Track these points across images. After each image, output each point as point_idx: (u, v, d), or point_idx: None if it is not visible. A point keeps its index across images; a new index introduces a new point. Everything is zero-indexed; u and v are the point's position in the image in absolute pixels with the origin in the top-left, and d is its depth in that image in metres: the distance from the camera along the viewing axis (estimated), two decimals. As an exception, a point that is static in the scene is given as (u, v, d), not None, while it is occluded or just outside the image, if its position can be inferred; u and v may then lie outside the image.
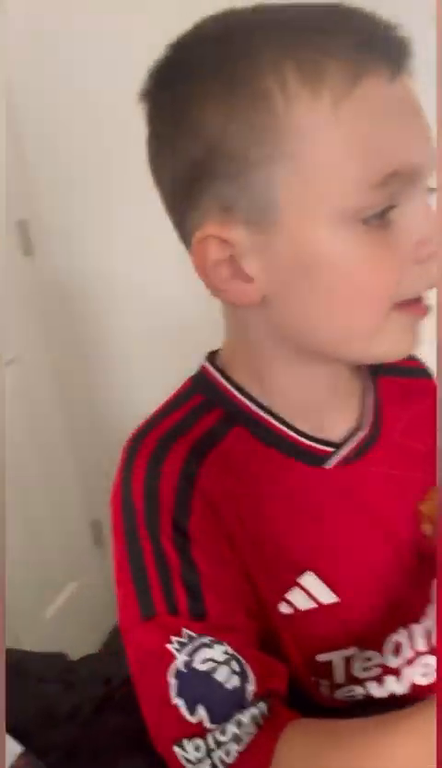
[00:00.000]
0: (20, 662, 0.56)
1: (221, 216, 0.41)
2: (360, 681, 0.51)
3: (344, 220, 0.40)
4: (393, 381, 0.56)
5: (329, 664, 0.49)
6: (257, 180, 0.40)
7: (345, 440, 0.50)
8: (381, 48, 0.39)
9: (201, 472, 0.45)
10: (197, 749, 0.41)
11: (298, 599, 0.48)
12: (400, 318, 0.43)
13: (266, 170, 0.39)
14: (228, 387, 0.49)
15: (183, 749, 0.41)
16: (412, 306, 0.43)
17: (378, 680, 0.51)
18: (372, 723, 0.40)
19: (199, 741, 0.41)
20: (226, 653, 0.42)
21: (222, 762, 0.40)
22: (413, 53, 0.40)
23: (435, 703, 0.36)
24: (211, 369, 0.51)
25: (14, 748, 0.50)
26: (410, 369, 0.57)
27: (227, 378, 0.50)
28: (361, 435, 0.51)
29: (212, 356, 0.52)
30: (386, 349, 0.44)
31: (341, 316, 0.43)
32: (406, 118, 0.40)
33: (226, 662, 0.42)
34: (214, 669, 0.42)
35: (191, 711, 0.41)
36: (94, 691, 0.56)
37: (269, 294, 0.43)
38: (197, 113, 0.40)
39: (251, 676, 0.42)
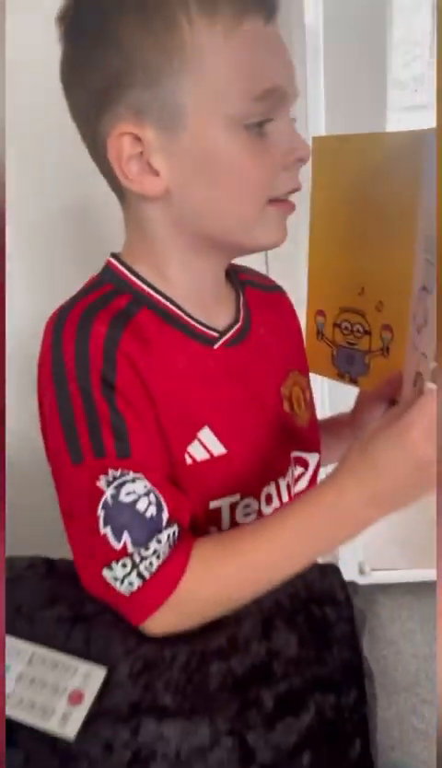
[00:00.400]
0: None
1: (135, 119, 0.50)
2: None
3: (234, 125, 0.50)
4: (256, 292, 0.68)
5: (218, 511, 0.58)
6: (168, 89, 0.49)
7: (227, 329, 0.61)
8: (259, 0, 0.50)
9: (122, 337, 0.52)
10: (124, 566, 0.49)
11: (197, 451, 0.57)
12: (272, 212, 0.55)
13: (175, 81, 0.49)
14: (133, 278, 0.58)
15: (112, 569, 0.49)
16: (282, 203, 0.55)
17: None
18: (259, 522, 0.53)
19: (126, 560, 0.49)
20: (145, 487, 0.50)
21: (147, 570, 0.49)
22: (279, 4, 0.52)
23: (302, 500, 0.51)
24: (117, 264, 0.59)
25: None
26: (268, 286, 0.72)
27: (131, 271, 0.58)
28: (237, 326, 0.62)
29: (116, 255, 0.60)
30: (264, 237, 0.56)
31: (229, 204, 0.54)
32: (276, 52, 0.52)
33: (146, 494, 0.50)
34: (136, 501, 0.50)
35: (118, 537, 0.49)
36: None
37: (172, 186, 0.52)
38: (117, 31, 0.49)
39: (165, 506, 0.51)
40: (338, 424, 0.76)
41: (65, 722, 0.44)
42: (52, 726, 0.44)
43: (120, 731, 0.44)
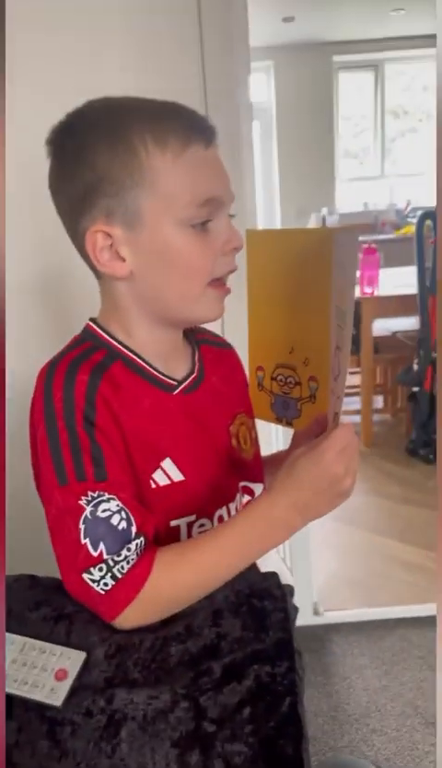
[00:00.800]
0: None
1: (105, 219, 0.65)
2: None
3: (181, 225, 0.65)
4: (209, 348, 0.82)
5: (177, 528, 0.71)
6: (129, 198, 0.64)
7: (184, 379, 0.75)
8: (199, 130, 0.66)
9: (100, 384, 0.65)
10: (101, 570, 0.60)
11: (160, 477, 0.69)
12: (211, 292, 0.69)
13: (135, 192, 0.64)
14: (107, 338, 0.71)
15: (90, 573, 0.60)
16: (220, 286, 0.70)
17: None
18: (211, 532, 0.66)
19: (101, 565, 0.60)
20: (117, 505, 0.62)
21: (119, 572, 0.60)
22: (216, 133, 0.68)
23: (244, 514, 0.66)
24: (94, 326, 0.72)
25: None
26: (219, 343, 0.87)
27: (106, 332, 0.71)
28: (193, 376, 0.76)
29: (93, 320, 0.74)
30: (204, 313, 0.71)
31: (177, 284, 0.68)
32: (214, 170, 0.68)
33: (118, 512, 0.62)
34: (110, 516, 0.61)
35: (95, 547, 0.60)
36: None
37: (134, 270, 0.67)
38: (91, 155, 0.64)
39: (134, 521, 0.62)
40: (278, 459, 0.89)
41: (53, 693, 0.55)
42: (42, 696, 0.54)
43: (97, 700, 0.55)
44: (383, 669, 1.60)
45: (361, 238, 4.84)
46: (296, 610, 0.65)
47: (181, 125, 0.65)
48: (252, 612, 0.62)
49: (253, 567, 0.72)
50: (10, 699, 0.56)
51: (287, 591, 0.67)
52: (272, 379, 0.79)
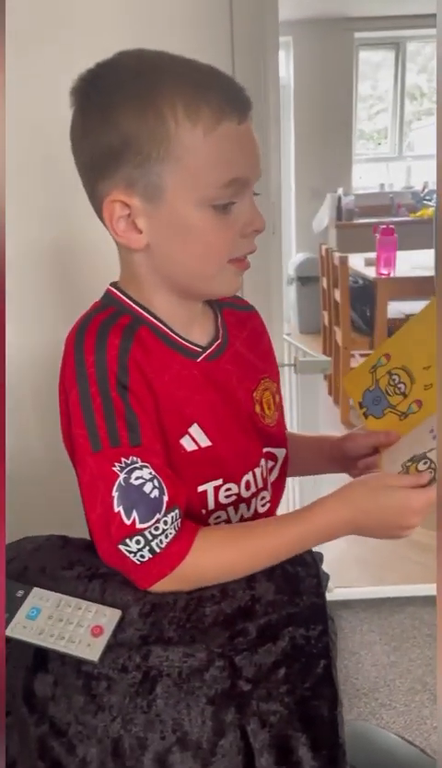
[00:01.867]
0: None
1: (125, 189, 0.62)
2: (224, 507, 0.72)
3: (203, 204, 0.62)
4: (232, 312, 0.81)
5: (205, 493, 0.70)
6: (153, 171, 0.61)
7: (208, 345, 0.74)
8: (234, 103, 0.62)
9: (132, 347, 0.64)
10: (138, 542, 0.59)
11: (187, 443, 0.69)
12: (230, 268, 0.68)
13: (160, 165, 0.61)
14: (131, 303, 0.69)
15: (127, 545, 0.60)
16: (239, 261, 0.68)
17: (235, 506, 0.73)
18: (268, 520, 0.68)
19: (139, 537, 0.59)
20: (150, 473, 0.61)
21: (158, 547, 0.60)
22: (251, 106, 0.64)
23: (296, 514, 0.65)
24: (116, 292, 0.71)
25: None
26: (242, 306, 0.84)
27: (128, 297, 0.70)
28: (217, 342, 0.75)
29: (114, 285, 0.72)
30: (220, 288, 0.70)
31: (194, 263, 0.66)
32: (245, 147, 0.64)
33: (151, 480, 0.61)
34: (143, 484, 0.60)
35: (128, 515, 0.60)
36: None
37: (151, 243, 0.65)
38: (118, 116, 0.60)
39: (166, 490, 0.61)
40: (323, 442, 0.88)
41: (89, 648, 0.55)
42: (78, 651, 0.55)
43: (133, 657, 0.55)
44: (392, 646, 1.62)
45: (377, 221, 4.80)
46: (327, 577, 0.65)
47: (216, 96, 0.61)
48: (286, 577, 0.62)
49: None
50: (45, 653, 0.56)
51: (318, 558, 0.67)
52: (387, 373, 0.75)
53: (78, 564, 0.65)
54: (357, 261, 3.31)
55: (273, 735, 0.51)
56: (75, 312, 1.33)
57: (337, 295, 3.19)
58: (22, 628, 0.57)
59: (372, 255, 3.26)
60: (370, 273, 3.14)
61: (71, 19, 1.25)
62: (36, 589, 0.60)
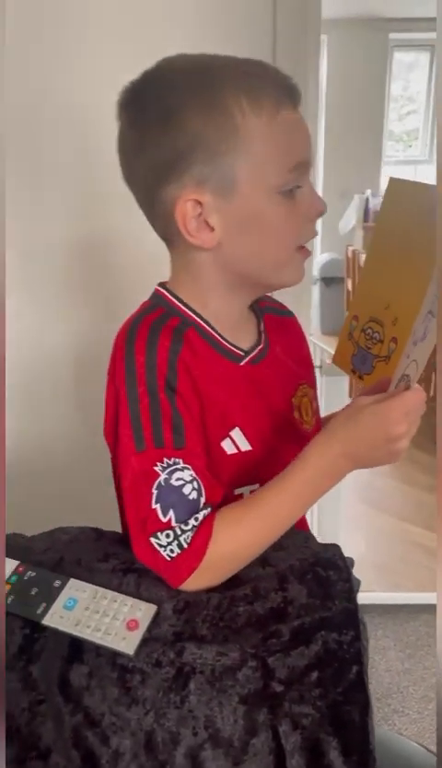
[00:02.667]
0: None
1: (196, 187, 0.63)
2: None
3: (272, 191, 0.64)
4: (272, 317, 0.82)
5: (241, 496, 0.71)
6: (224, 164, 0.62)
7: (250, 350, 0.75)
8: (288, 91, 0.65)
9: (181, 349, 0.65)
10: (168, 536, 0.61)
11: (228, 446, 0.70)
12: (298, 257, 0.69)
13: (230, 157, 0.62)
14: (180, 305, 0.70)
15: (158, 538, 0.61)
16: (304, 249, 0.70)
17: None
18: (268, 483, 0.65)
19: (169, 531, 0.61)
20: (191, 475, 0.62)
21: (186, 541, 0.60)
22: (301, 94, 0.67)
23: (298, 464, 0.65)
24: (166, 293, 0.72)
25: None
26: (280, 311, 0.86)
27: (178, 299, 0.71)
28: (259, 347, 0.76)
29: (163, 286, 0.73)
30: (290, 277, 0.70)
31: (268, 252, 0.68)
32: (302, 132, 0.66)
33: (191, 481, 0.62)
34: (183, 485, 0.61)
35: (165, 513, 0.61)
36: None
37: (223, 239, 0.65)
38: (182, 118, 0.62)
39: (204, 492, 0.62)
40: (331, 419, 0.90)
41: (125, 642, 0.56)
42: (114, 643, 0.56)
43: (167, 652, 0.56)
44: (407, 653, 1.61)
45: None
46: (358, 582, 0.66)
47: (273, 85, 0.63)
48: (318, 580, 0.62)
49: (312, 537, 0.72)
50: (80, 643, 0.57)
51: (349, 563, 0.67)
52: (361, 331, 0.78)
53: (113, 557, 0.66)
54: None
55: (304, 737, 0.51)
56: (105, 307, 1.35)
57: (362, 297, 3.16)
58: (59, 618, 0.58)
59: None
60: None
61: (117, 20, 1.26)
62: (73, 580, 0.61)
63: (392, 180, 0.72)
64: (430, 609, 1.77)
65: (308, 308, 1.58)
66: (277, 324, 0.82)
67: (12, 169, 1.26)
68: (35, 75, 1.25)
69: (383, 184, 5.66)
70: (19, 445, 1.46)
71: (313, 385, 0.85)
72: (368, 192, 5.21)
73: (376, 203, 5.11)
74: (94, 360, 1.43)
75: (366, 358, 0.79)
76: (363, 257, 3.20)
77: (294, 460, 0.66)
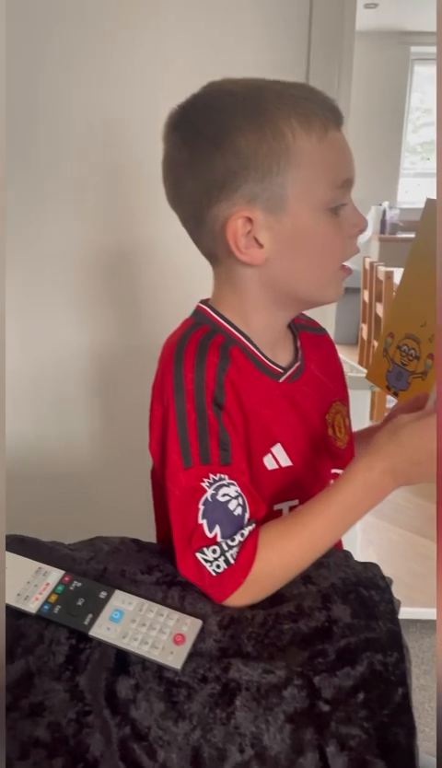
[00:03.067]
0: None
1: (247, 205, 0.65)
2: None
3: (320, 208, 0.66)
4: (306, 334, 0.83)
5: (280, 512, 0.72)
6: (275, 183, 0.64)
7: (288, 367, 0.75)
8: (334, 114, 0.66)
9: (229, 367, 0.66)
10: (214, 552, 0.61)
11: (269, 462, 0.71)
12: (340, 274, 0.71)
13: (282, 177, 0.64)
14: (224, 323, 0.72)
15: (204, 553, 0.62)
16: (345, 268, 0.71)
17: None
18: (311, 501, 0.65)
19: (215, 547, 0.61)
20: (236, 491, 0.63)
21: (232, 557, 0.61)
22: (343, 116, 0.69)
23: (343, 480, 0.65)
24: (209, 310, 0.73)
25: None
26: (314, 328, 0.87)
27: (221, 317, 0.72)
28: (297, 364, 0.77)
29: (205, 303, 0.74)
30: (332, 294, 0.72)
31: (315, 269, 0.69)
32: (347, 152, 0.68)
33: (236, 497, 0.63)
34: (229, 501, 0.62)
35: (211, 529, 0.62)
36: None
37: (270, 256, 0.67)
38: (234, 139, 0.63)
39: (248, 508, 0.63)
40: (371, 431, 0.90)
41: (173, 656, 0.56)
42: (161, 657, 0.56)
43: (213, 668, 0.56)
44: (422, 669, 1.61)
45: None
46: (398, 603, 0.66)
47: (320, 107, 0.65)
48: (361, 600, 0.63)
49: (350, 555, 0.72)
50: (126, 655, 0.58)
51: (390, 583, 0.67)
52: (397, 348, 0.79)
53: (156, 570, 0.66)
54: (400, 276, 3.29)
55: (351, 759, 0.51)
56: (128, 315, 1.34)
57: (379, 309, 3.18)
58: (106, 630, 0.58)
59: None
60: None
61: (153, 39, 1.27)
62: (118, 592, 0.61)
63: (429, 201, 0.73)
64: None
65: (332, 320, 1.59)
66: (312, 341, 0.83)
67: (37, 179, 1.29)
68: (65, 87, 1.26)
69: (400, 196, 5.68)
70: (44, 447, 1.47)
71: (346, 402, 0.86)
72: (386, 203, 5.23)
73: (392, 215, 5.12)
74: (114, 365, 1.44)
75: (402, 375, 0.80)
76: (380, 268, 3.21)
77: (337, 478, 0.66)
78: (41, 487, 1.47)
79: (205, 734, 0.53)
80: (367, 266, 3.62)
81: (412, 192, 5.62)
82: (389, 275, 3.05)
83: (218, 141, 0.64)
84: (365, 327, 3.68)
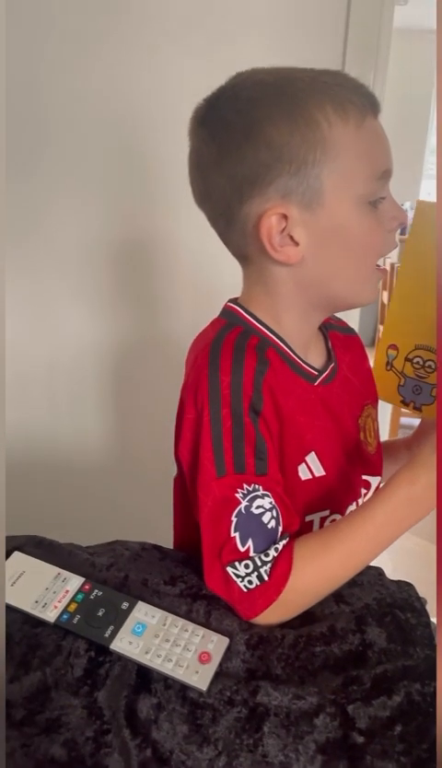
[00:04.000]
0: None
1: (282, 200, 0.60)
2: None
3: (359, 202, 0.61)
4: (336, 335, 0.79)
5: (311, 523, 0.69)
6: (311, 176, 0.59)
7: (323, 369, 0.72)
8: (370, 100, 0.62)
9: (267, 371, 0.62)
10: (247, 567, 0.58)
11: (303, 472, 0.67)
12: (376, 273, 0.66)
13: (317, 169, 0.59)
14: (257, 324, 0.68)
15: (236, 568, 0.58)
16: (380, 269, 0.67)
17: None
18: (351, 516, 0.62)
19: (248, 561, 0.58)
20: (270, 503, 0.59)
21: (266, 573, 0.58)
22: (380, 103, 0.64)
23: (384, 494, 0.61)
24: (241, 311, 0.69)
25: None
26: (343, 328, 0.83)
27: (254, 318, 0.68)
28: (331, 366, 0.73)
29: (235, 302, 0.70)
30: (368, 295, 0.67)
31: (351, 265, 0.64)
32: (385, 141, 0.63)
33: (270, 510, 0.59)
34: (262, 514, 0.59)
35: (243, 542, 0.58)
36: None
37: (307, 254, 0.62)
38: (266, 131, 0.59)
39: (282, 521, 0.60)
40: (396, 447, 0.87)
41: (198, 676, 0.53)
42: (186, 677, 0.53)
43: (240, 690, 0.53)
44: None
45: None
46: (435, 626, 0.62)
47: (356, 94, 0.61)
48: (397, 624, 0.59)
49: (383, 573, 0.69)
50: (148, 672, 0.55)
51: (424, 603, 0.64)
52: (406, 360, 0.75)
53: (180, 581, 0.63)
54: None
55: (387, 796, 0.48)
56: (142, 309, 1.30)
57: (399, 311, 3.12)
58: (128, 644, 0.55)
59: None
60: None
61: (183, 31, 1.23)
62: (141, 603, 0.58)
63: (420, 204, 0.70)
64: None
65: (356, 321, 1.55)
66: (342, 342, 0.79)
67: (56, 171, 1.26)
68: (83, 77, 1.23)
69: (423, 197, 5.61)
70: (57, 441, 1.44)
71: (376, 405, 0.82)
72: (408, 204, 5.15)
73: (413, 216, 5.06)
74: (127, 359, 1.41)
75: (422, 388, 0.76)
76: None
77: (377, 492, 0.62)
78: (53, 482, 1.45)
79: (231, 761, 0.50)
80: (387, 267, 3.56)
81: (435, 194, 5.54)
82: (411, 277, 2.99)
83: (248, 133, 0.59)
84: (382, 328, 3.63)
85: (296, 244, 0.62)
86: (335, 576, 0.61)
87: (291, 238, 0.62)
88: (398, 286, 0.76)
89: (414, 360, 0.75)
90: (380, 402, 0.83)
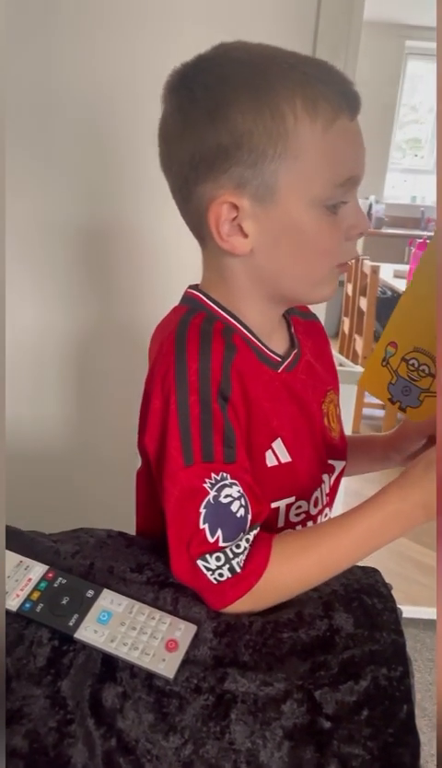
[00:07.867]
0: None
1: (235, 190, 0.58)
2: (293, 525, 0.70)
3: (315, 204, 0.59)
4: (298, 320, 0.78)
5: (277, 510, 0.68)
6: (268, 170, 0.57)
7: (286, 355, 0.71)
8: (348, 100, 0.59)
9: (235, 356, 0.61)
10: (218, 559, 0.57)
11: (269, 459, 0.66)
12: (333, 272, 0.64)
13: (276, 164, 0.57)
14: (219, 310, 0.66)
15: (206, 561, 0.57)
16: (344, 266, 0.65)
17: (303, 524, 0.71)
18: (336, 520, 0.61)
19: (219, 554, 0.57)
20: (239, 491, 0.58)
21: (238, 565, 0.57)
22: (361, 104, 0.60)
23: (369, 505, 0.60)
24: (202, 297, 0.67)
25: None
26: (304, 313, 0.81)
27: (216, 303, 0.67)
28: (294, 352, 0.72)
29: (195, 288, 0.69)
30: (322, 293, 0.66)
31: (303, 268, 0.63)
32: (357, 146, 0.61)
33: (239, 498, 0.58)
34: (231, 503, 0.58)
35: (212, 533, 0.57)
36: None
37: (256, 247, 0.61)
38: (230, 113, 0.56)
39: (251, 510, 0.59)
40: (371, 444, 0.87)
41: (165, 663, 0.52)
42: (152, 665, 0.52)
43: (207, 678, 0.52)
44: (429, 666, 1.60)
45: (405, 232, 4.77)
46: (400, 612, 0.63)
47: (333, 91, 0.58)
48: (364, 609, 0.59)
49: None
50: (113, 660, 0.53)
51: (390, 589, 0.64)
52: (403, 360, 0.75)
53: (147, 568, 0.62)
54: (385, 272, 3.28)
55: (354, 780, 0.48)
56: (101, 294, 1.28)
57: (363, 303, 3.15)
58: (93, 632, 0.54)
59: (401, 267, 3.24)
60: (399, 285, 3.12)
61: (150, 13, 1.20)
62: (106, 591, 0.57)
63: None
64: (417, 623, 1.76)
65: (323, 311, 1.56)
66: (304, 328, 0.79)
67: (21, 153, 1.22)
68: (50, 58, 1.19)
69: (387, 191, 5.65)
70: (17, 429, 1.41)
71: (337, 391, 0.82)
72: (372, 197, 5.20)
73: (378, 210, 5.11)
74: (89, 346, 1.39)
75: (411, 390, 0.76)
76: (366, 262, 3.18)
77: (366, 502, 0.61)
78: (14, 469, 1.42)
79: (198, 749, 0.49)
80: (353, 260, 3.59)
81: (399, 188, 5.60)
82: (376, 270, 3.02)
83: (213, 113, 0.57)
84: (347, 320, 3.65)
85: (245, 236, 0.61)
86: (311, 577, 0.60)
87: (240, 228, 0.60)
88: (413, 286, 0.75)
89: (410, 361, 0.75)
90: (342, 392, 0.84)
